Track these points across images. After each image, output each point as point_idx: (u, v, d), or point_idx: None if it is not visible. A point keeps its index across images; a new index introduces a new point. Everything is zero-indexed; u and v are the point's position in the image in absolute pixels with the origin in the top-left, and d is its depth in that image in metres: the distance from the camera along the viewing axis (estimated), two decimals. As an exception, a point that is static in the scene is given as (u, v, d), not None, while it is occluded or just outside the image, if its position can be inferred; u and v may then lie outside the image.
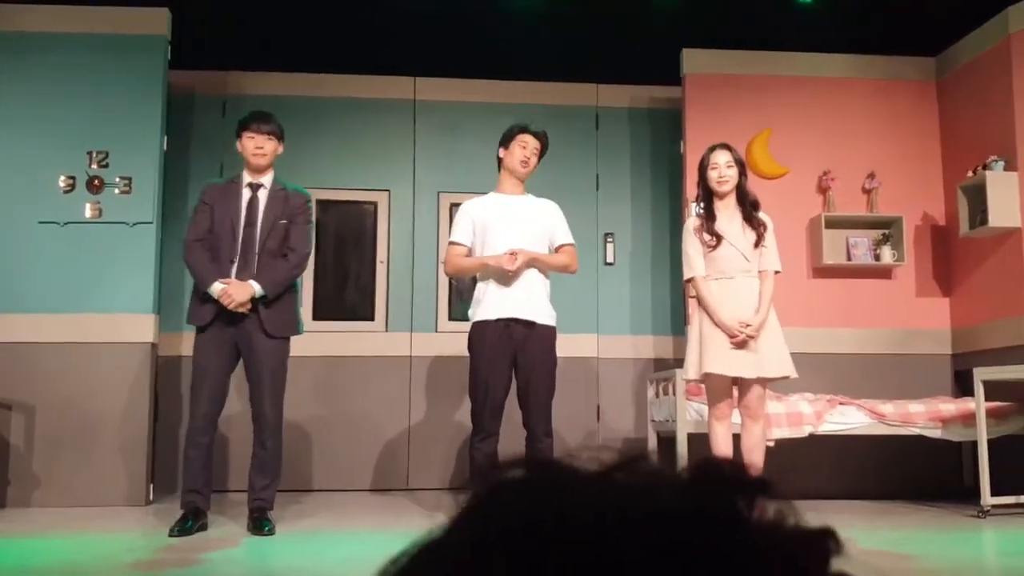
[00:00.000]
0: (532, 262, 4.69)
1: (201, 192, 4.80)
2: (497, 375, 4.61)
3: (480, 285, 4.79)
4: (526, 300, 4.65)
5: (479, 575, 0.41)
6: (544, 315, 4.69)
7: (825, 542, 0.44)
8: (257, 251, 4.60)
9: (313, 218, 4.86)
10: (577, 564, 0.40)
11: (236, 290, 4.48)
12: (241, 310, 4.49)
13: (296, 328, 4.74)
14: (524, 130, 4.83)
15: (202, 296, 4.56)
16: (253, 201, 4.68)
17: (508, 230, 4.73)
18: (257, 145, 4.68)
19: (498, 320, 4.63)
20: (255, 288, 4.51)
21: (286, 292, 4.66)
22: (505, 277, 4.64)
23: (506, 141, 4.86)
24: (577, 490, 0.44)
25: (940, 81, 6.85)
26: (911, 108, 6.82)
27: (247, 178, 4.72)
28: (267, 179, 4.74)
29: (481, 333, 4.66)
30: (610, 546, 0.41)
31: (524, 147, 4.80)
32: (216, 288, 4.48)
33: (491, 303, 4.66)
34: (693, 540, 0.41)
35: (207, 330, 4.57)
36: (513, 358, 4.64)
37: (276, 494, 4.69)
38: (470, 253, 4.82)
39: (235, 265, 4.57)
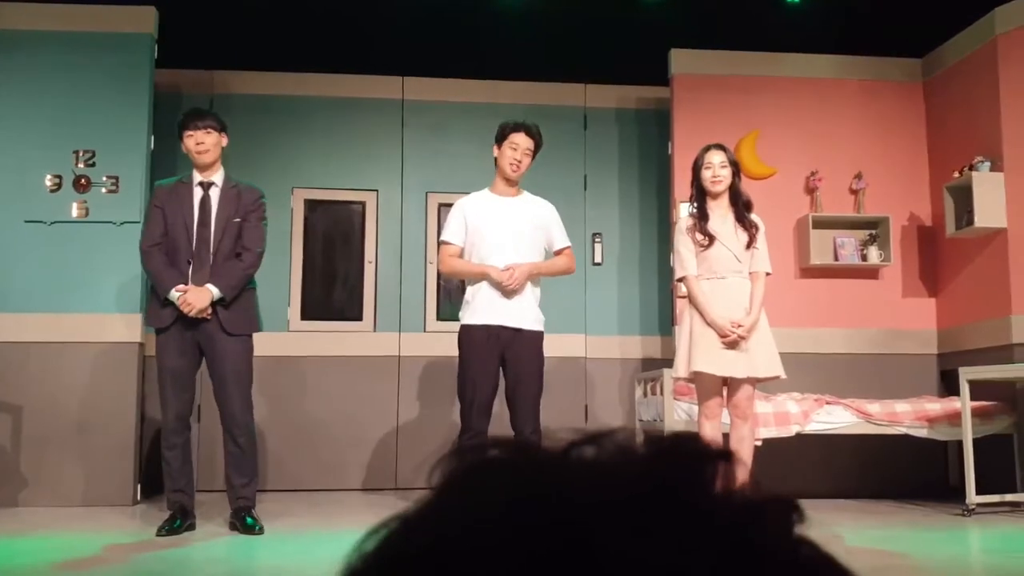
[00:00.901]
0: (531, 273, 4.68)
1: (152, 195, 4.77)
2: (484, 376, 4.61)
3: (470, 288, 4.78)
4: (513, 307, 4.63)
5: (455, 550, 0.42)
6: (531, 321, 4.67)
7: (787, 509, 0.45)
8: (212, 251, 4.58)
9: (267, 214, 4.81)
10: (546, 537, 0.42)
11: (194, 297, 4.45)
12: (201, 316, 4.48)
13: (256, 325, 4.71)
14: (516, 129, 4.75)
15: (161, 299, 4.54)
16: (205, 200, 4.64)
17: (501, 234, 4.70)
18: (197, 142, 4.63)
19: (484, 325, 4.62)
20: (213, 292, 4.49)
21: (244, 291, 4.63)
22: (501, 287, 4.64)
23: (499, 139, 4.79)
24: (548, 467, 0.46)
25: (927, 82, 6.88)
26: (898, 109, 6.85)
27: (197, 177, 4.68)
28: (218, 177, 4.70)
29: (468, 336, 4.67)
30: (578, 520, 0.42)
31: (515, 148, 4.74)
32: (174, 296, 4.46)
33: (479, 308, 4.66)
34: (657, 508, 0.43)
35: (167, 331, 4.54)
36: (501, 358, 4.64)
37: (257, 491, 4.68)
38: (462, 252, 4.81)
39: (191, 266, 4.55)
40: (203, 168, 4.67)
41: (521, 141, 4.75)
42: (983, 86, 6.21)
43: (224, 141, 4.75)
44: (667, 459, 0.46)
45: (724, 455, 0.46)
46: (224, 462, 4.65)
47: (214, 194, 4.66)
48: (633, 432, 0.48)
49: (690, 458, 0.46)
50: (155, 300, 4.60)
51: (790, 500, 0.46)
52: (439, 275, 6.61)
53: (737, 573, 0.41)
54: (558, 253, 4.88)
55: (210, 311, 4.50)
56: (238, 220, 4.64)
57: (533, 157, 4.83)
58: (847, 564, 0.45)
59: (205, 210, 4.63)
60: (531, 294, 4.71)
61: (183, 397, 4.55)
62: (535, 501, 0.43)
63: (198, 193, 4.65)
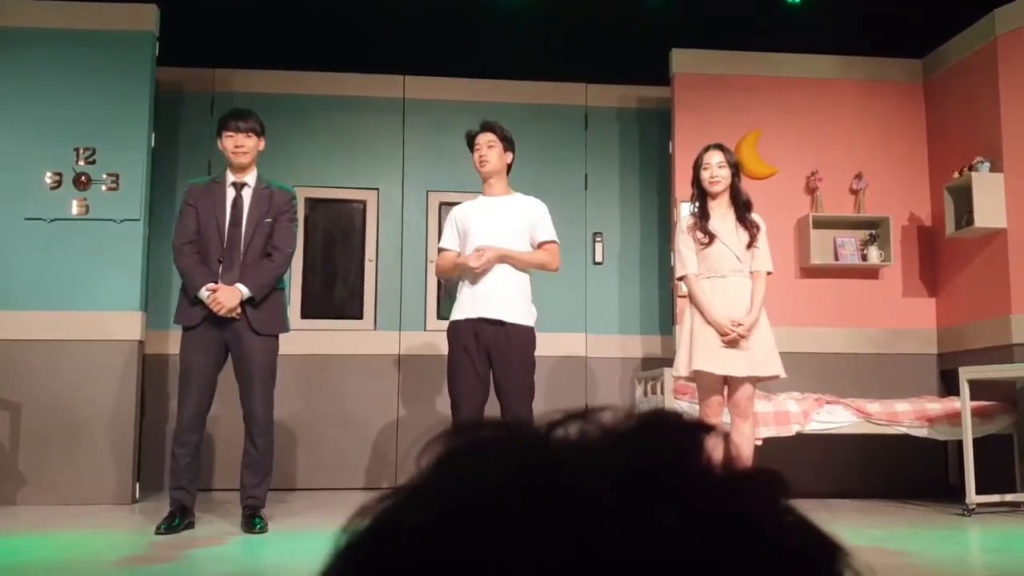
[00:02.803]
0: (503, 258, 4.62)
1: (185, 193, 4.79)
2: (470, 373, 4.56)
3: (460, 285, 4.78)
4: (494, 300, 4.58)
5: (448, 525, 0.43)
6: (516, 314, 4.59)
7: (772, 479, 0.46)
8: (243, 250, 4.60)
9: (298, 216, 4.85)
10: (535, 514, 0.42)
11: (224, 296, 4.47)
12: (230, 315, 4.49)
13: (284, 326, 4.75)
14: (477, 133, 4.79)
15: (192, 297, 4.56)
16: (238, 200, 4.67)
17: (487, 231, 4.68)
18: (237, 144, 4.66)
19: (467, 320, 4.61)
20: (243, 292, 4.52)
21: (273, 291, 4.67)
22: (475, 276, 4.61)
23: (470, 150, 4.84)
24: (533, 445, 0.47)
25: (927, 82, 6.88)
26: (898, 109, 6.86)
27: (231, 177, 4.71)
28: (251, 177, 4.73)
29: (454, 332, 4.65)
30: (565, 496, 0.43)
31: (477, 149, 4.77)
32: (203, 295, 4.48)
33: (462, 303, 4.65)
34: (642, 483, 0.43)
35: (195, 329, 4.57)
36: (488, 356, 4.61)
37: (268, 492, 4.70)
38: (458, 257, 4.81)
39: (222, 265, 4.58)
40: (238, 169, 4.70)
41: (481, 139, 4.77)
42: (983, 87, 6.21)
43: (262, 145, 4.78)
44: (651, 434, 0.46)
45: (707, 428, 0.47)
46: (241, 461, 4.67)
47: (246, 194, 4.69)
48: (618, 411, 0.48)
49: (673, 432, 0.47)
50: (184, 298, 4.62)
51: (774, 471, 0.46)
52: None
53: (724, 543, 0.42)
54: (540, 247, 4.83)
55: (239, 311, 4.52)
56: (269, 220, 4.67)
57: (507, 149, 4.78)
58: (832, 532, 0.45)
59: (237, 210, 4.66)
60: (515, 287, 4.65)
61: (203, 396, 4.57)
62: (523, 480, 0.43)
63: (231, 193, 4.68)
